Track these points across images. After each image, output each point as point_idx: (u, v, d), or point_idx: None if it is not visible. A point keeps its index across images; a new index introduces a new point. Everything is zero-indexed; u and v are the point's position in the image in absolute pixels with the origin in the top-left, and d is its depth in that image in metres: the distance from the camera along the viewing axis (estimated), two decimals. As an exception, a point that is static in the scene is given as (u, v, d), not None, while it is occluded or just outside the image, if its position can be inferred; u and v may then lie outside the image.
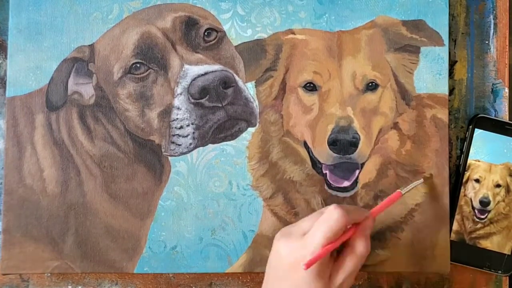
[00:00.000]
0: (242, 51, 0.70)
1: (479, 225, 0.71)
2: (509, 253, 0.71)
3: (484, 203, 0.71)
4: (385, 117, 0.69)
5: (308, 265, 0.54)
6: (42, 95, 0.69)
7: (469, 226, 0.71)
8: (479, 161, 0.71)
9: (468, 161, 0.71)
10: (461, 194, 0.71)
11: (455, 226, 0.71)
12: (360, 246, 0.58)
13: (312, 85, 0.69)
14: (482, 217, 0.71)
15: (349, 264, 0.58)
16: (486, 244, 0.71)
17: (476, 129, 0.71)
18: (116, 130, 0.69)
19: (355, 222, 0.59)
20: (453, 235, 0.71)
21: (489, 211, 0.71)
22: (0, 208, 0.69)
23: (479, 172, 0.71)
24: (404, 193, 0.66)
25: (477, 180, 0.71)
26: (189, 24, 0.69)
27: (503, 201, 0.71)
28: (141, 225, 0.68)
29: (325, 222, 0.56)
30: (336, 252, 0.59)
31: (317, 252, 0.55)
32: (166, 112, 0.67)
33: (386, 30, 0.70)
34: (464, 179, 0.71)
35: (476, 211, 0.71)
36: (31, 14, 0.69)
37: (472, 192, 0.71)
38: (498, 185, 0.71)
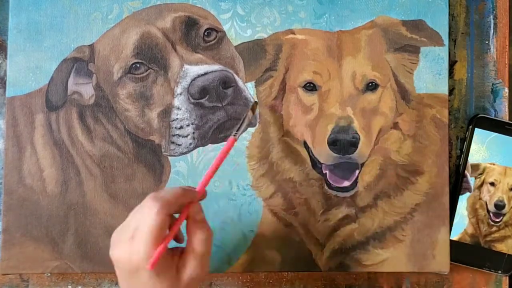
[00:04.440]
0: (242, 51, 0.70)
1: (494, 228, 0.71)
2: (510, 253, 0.71)
3: (499, 206, 0.70)
4: (385, 117, 0.69)
5: (152, 266, 0.52)
6: (42, 95, 0.69)
7: (484, 229, 0.71)
8: (494, 164, 0.71)
9: (483, 164, 0.71)
10: (476, 197, 0.71)
11: (470, 230, 0.71)
12: (196, 233, 0.55)
13: (312, 85, 0.69)
14: (497, 220, 0.71)
15: (192, 256, 0.54)
16: (501, 247, 0.71)
17: (484, 131, 0.71)
18: (116, 130, 0.69)
19: (183, 205, 0.56)
20: (468, 238, 0.71)
21: (504, 214, 0.71)
22: (0, 208, 0.69)
23: (494, 176, 0.71)
24: (238, 136, 0.60)
25: (492, 184, 0.71)
26: (189, 24, 0.69)
27: None
28: (141, 225, 0.68)
29: (145, 223, 0.52)
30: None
31: (148, 252, 0.51)
32: (166, 112, 0.67)
33: (386, 30, 0.70)
34: (479, 183, 0.71)
35: (491, 214, 0.71)
36: (31, 14, 0.69)
37: (487, 196, 0.71)
38: None
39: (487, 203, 0.71)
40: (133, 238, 0.52)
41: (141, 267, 0.52)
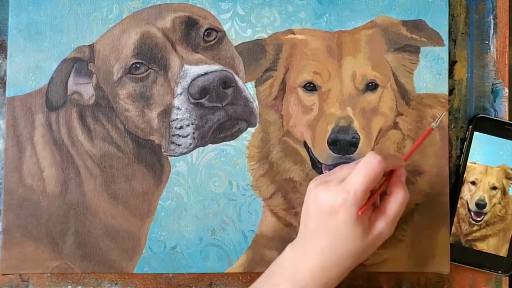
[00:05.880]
0: (242, 51, 0.70)
1: (475, 228, 0.71)
2: (505, 256, 0.71)
3: (480, 205, 0.70)
4: (385, 117, 0.70)
5: (362, 211, 0.56)
6: (42, 95, 0.69)
7: (465, 228, 0.71)
8: (475, 163, 0.71)
9: None
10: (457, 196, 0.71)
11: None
12: (400, 193, 0.59)
13: (312, 85, 0.69)
14: (478, 219, 0.71)
15: (390, 212, 0.59)
16: (482, 246, 0.71)
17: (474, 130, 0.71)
18: (116, 130, 0.69)
19: (390, 169, 0.61)
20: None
21: (485, 214, 0.71)
22: (0, 208, 0.69)
23: (475, 175, 0.71)
24: (435, 126, 0.64)
25: (473, 183, 0.71)
26: (189, 24, 0.69)
27: (499, 203, 0.71)
28: (141, 225, 0.68)
29: (365, 167, 0.57)
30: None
31: (359, 194, 0.56)
32: (166, 112, 0.67)
33: (386, 30, 0.70)
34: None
35: (472, 213, 0.71)
36: (31, 14, 0.69)
37: (468, 195, 0.71)
38: (494, 188, 0.71)
39: (468, 202, 0.71)
40: (346, 180, 0.57)
41: (343, 208, 0.56)
